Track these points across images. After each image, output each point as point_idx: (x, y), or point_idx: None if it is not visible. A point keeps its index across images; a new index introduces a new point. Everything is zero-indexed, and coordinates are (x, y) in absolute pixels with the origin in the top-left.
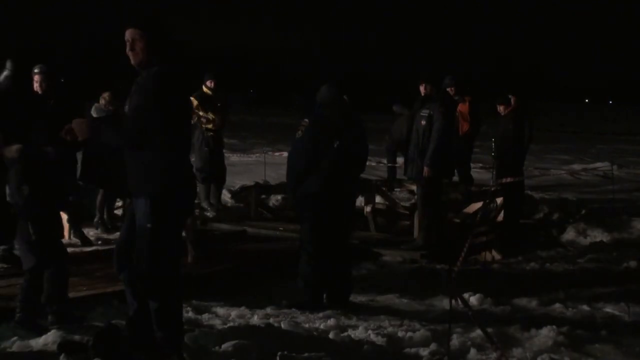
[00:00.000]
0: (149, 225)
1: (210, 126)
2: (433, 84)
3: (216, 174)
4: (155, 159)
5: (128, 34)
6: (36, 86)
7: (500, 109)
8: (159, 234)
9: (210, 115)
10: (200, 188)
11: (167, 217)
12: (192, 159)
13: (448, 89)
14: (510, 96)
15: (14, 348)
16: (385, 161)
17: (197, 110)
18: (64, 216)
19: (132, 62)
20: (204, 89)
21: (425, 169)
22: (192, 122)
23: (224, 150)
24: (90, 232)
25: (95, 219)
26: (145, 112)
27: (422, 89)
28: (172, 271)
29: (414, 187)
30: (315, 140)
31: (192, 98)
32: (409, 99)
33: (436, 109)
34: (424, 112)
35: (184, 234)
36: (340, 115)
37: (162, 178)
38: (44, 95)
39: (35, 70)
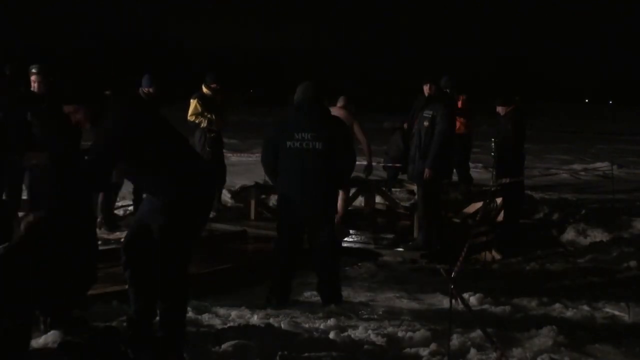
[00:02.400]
0: (162, 224)
1: (213, 127)
2: (437, 84)
3: (217, 175)
4: (149, 182)
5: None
6: (33, 86)
7: (500, 110)
8: (172, 234)
9: (212, 116)
10: None
11: (181, 218)
12: None
13: (445, 91)
14: (509, 97)
15: None
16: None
17: (202, 114)
18: None
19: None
20: (204, 89)
21: (427, 170)
22: (201, 124)
23: (223, 151)
24: None
25: (98, 220)
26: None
27: (426, 89)
28: (184, 272)
29: (414, 187)
30: (274, 139)
31: (195, 102)
32: (400, 105)
33: (440, 111)
34: (427, 113)
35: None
36: (304, 115)
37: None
38: (41, 95)
39: (33, 70)
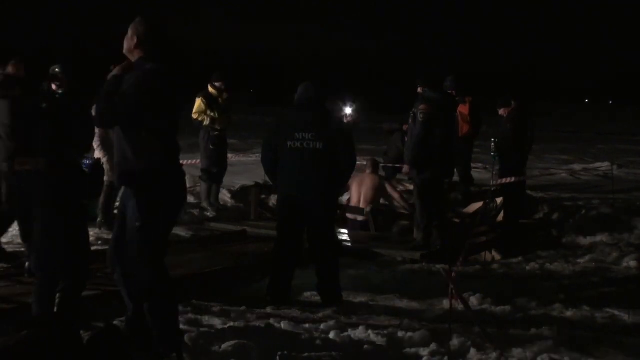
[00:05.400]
0: (137, 224)
1: (216, 126)
2: (426, 83)
3: (218, 174)
4: (138, 143)
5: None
6: (54, 86)
7: (501, 111)
8: (148, 233)
9: (216, 114)
10: (202, 188)
11: (155, 216)
12: (198, 160)
13: (449, 92)
14: (510, 98)
15: None
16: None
17: (206, 112)
18: None
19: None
20: (210, 88)
21: (405, 166)
22: (204, 122)
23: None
24: (91, 232)
25: (99, 219)
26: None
27: (419, 90)
28: (162, 271)
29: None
30: (274, 138)
31: (199, 100)
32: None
33: (417, 107)
34: (412, 112)
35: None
36: (304, 115)
37: (139, 163)
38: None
39: (56, 70)
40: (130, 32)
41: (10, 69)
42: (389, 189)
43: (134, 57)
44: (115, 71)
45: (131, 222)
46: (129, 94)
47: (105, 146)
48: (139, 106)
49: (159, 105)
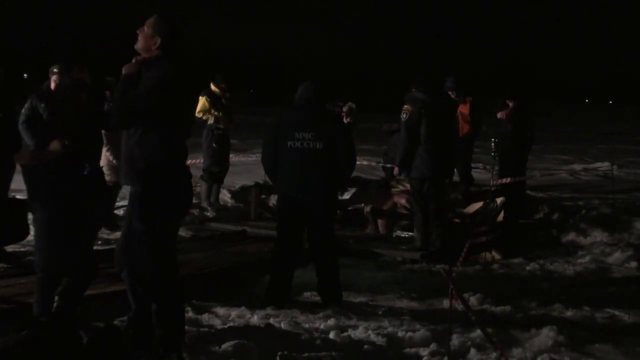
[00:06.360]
0: (140, 225)
1: (219, 125)
2: (417, 84)
3: (219, 174)
4: (146, 142)
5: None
6: (54, 85)
7: (499, 114)
8: (150, 233)
9: (220, 113)
10: (202, 187)
11: (157, 216)
12: (200, 160)
13: (450, 93)
14: (510, 99)
15: None
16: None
17: (210, 111)
18: None
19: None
20: (213, 88)
21: (395, 168)
22: (207, 121)
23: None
24: None
25: None
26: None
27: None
28: (167, 270)
29: None
30: (275, 138)
31: (203, 99)
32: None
33: (402, 108)
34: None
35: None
36: (304, 115)
37: (147, 163)
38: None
39: (54, 70)
40: (149, 30)
41: (75, 74)
42: (397, 199)
43: (150, 55)
44: (128, 69)
45: (133, 220)
46: (147, 94)
47: (113, 146)
48: (156, 107)
49: (173, 105)
